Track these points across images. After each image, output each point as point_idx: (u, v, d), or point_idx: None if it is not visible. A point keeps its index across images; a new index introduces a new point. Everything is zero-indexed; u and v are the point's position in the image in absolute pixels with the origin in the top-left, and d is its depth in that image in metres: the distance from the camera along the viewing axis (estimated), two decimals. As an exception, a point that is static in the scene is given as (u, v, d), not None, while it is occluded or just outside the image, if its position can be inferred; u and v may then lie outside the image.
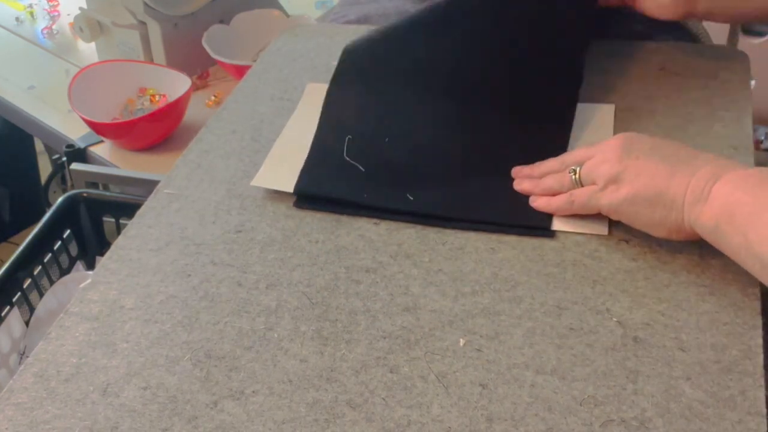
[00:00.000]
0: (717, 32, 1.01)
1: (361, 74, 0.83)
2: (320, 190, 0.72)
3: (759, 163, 0.73)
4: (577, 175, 0.66)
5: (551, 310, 0.61)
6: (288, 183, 0.73)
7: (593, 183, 0.65)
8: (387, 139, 0.76)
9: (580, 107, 0.80)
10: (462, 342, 0.59)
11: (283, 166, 0.76)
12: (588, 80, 0.83)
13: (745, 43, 1.41)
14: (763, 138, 1.40)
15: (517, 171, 0.73)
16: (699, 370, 0.55)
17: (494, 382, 0.56)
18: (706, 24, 0.96)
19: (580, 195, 0.66)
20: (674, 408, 0.53)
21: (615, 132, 0.78)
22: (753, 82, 0.85)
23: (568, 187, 0.67)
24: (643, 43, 0.91)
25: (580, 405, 0.54)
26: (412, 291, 0.63)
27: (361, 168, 0.74)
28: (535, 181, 0.70)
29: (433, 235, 0.68)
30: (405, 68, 0.81)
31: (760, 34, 1.38)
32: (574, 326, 0.59)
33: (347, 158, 0.75)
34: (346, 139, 0.77)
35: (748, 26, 1.39)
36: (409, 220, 0.70)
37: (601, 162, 0.64)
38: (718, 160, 0.61)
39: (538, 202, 0.69)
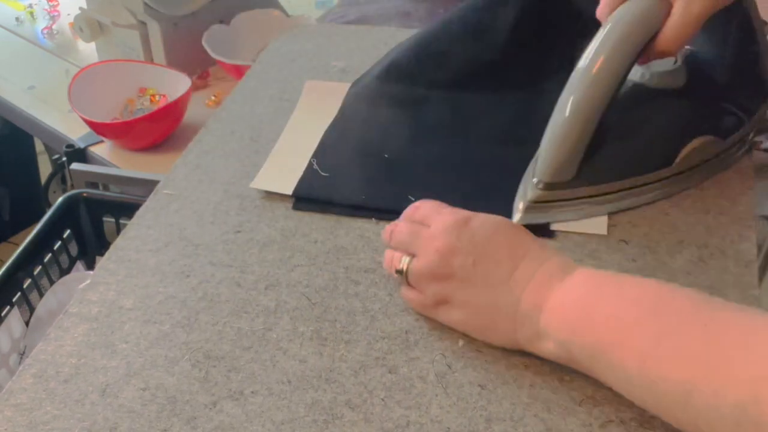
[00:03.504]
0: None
1: (369, 96, 0.84)
2: (319, 194, 0.72)
3: (759, 163, 0.73)
4: (404, 275, 0.60)
5: (550, 311, 0.61)
6: (287, 185, 0.73)
7: (419, 289, 0.60)
8: (388, 152, 0.77)
9: None
10: (461, 342, 0.59)
11: (283, 168, 0.76)
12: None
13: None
14: (763, 138, 1.40)
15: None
16: (698, 371, 0.55)
17: (493, 383, 0.56)
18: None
19: (413, 303, 0.61)
20: (673, 408, 0.53)
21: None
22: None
23: (394, 274, 0.62)
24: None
25: (579, 405, 0.54)
26: (412, 291, 0.63)
27: (360, 171, 0.74)
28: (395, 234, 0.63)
29: (432, 235, 0.68)
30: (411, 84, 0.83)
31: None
32: (573, 327, 0.59)
33: (349, 163, 0.76)
34: (349, 146, 0.78)
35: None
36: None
37: (425, 270, 0.58)
38: (540, 271, 0.55)
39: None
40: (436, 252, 0.58)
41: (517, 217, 0.68)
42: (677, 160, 0.69)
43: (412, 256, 0.60)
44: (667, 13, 0.62)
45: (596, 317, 0.51)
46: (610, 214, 0.68)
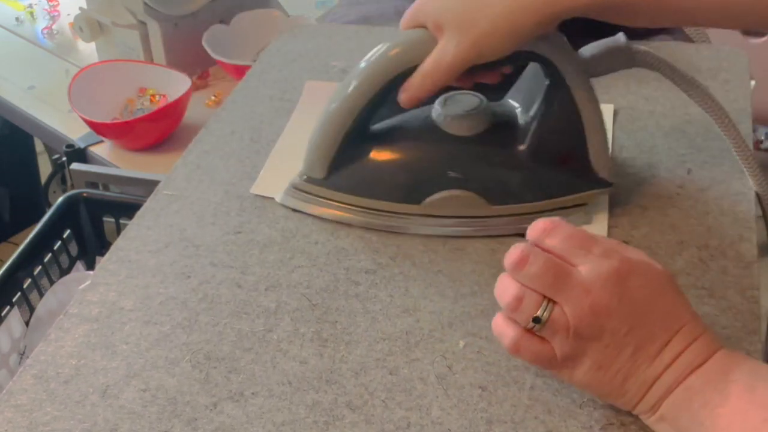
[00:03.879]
0: (716, 32, 1.01)
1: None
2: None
3: (759, 163, 0.73)
4: (540, 324, 0.50)
5: (551, 312, 0.61)
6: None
7: (550, 340, 0.51)
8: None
9: None
10: (462, 343, 0.59)
11: (282, 173, 0.75)
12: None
13: (745, 43, 1.40)
14: (763, 138, 1.40)
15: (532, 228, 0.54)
16: (699, 372, 0.55)
17: (494, 384, 0.56)
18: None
19: (529, 356, 0.51)
20: (674, 410, 0.53)
21: (613, 132, 0.78)
22: (753, 83, 0.85)
23: (524, 320, 0.50)
24: (642, 42, 0.90)
25: (580, 408, 0.54)
26: (412, 292, 0.63)
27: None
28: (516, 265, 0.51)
29: (432, 236, 0.68)
30: None
31: (761, 34, 1.38)
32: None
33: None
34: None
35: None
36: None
37: (573, 328, 0.49)
38: (687, 351, 0.49)
39: (496, 321, 0.53)
40: (590, 310, 0.49)
41: (278, 197, 0.72)
42: (427, 201, 0.67)
43: (552, 301, 0.50)
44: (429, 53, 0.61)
45: (719, 421, 0.47)
46: (611, 216, 0.68)
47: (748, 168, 0.70)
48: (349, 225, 0.69)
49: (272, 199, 0.73)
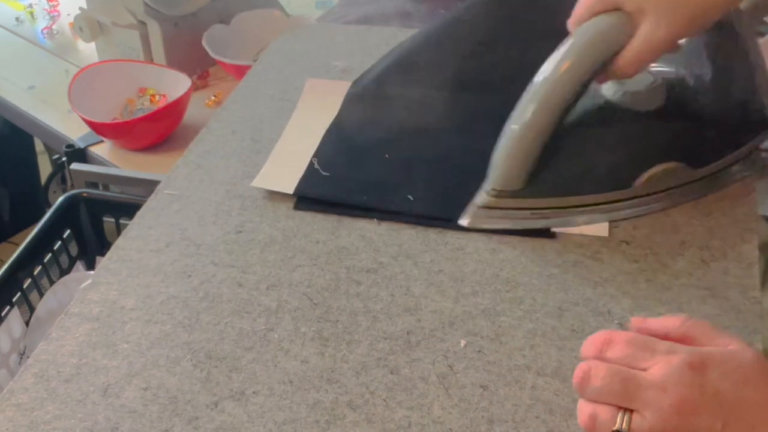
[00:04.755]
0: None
1: (369, 95, 0.84)
2: (320, 194, 0.72)
3: (759, 164, 0.73)
4: (625, 425, 0.46)
5: (552, 312, 0.61)
6: (289, 185, 0.73)
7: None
8: (389, 152, 0.77)
9: None
10: (463, 343, 0.59)
11: (284, 167, 0.76)
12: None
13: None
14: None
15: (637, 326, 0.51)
16: (700, 372, 0.55)
17: (495, 384, 0.56)
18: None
19: None
20: (675, 410, 0.53)
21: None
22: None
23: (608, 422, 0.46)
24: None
25: (581, 406, 0.54)
26: (413, 292, 0.63)
27: (361, 171, 0.74)
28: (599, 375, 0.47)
29: (434, 235, 0.68)
30: (410, 80, 0.82)
31: (760, 34, 1.38)
32: (575, 328, 0.59)
33: (349, 163, 0.76)
34: (350, 145, 0.78)
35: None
36: (411, 221, 0.70)
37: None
38: None
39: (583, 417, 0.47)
40: (671, 408, 0.44)
41: (465, 221, 0.68)
42: (637, 183, 0.67)
43: (628, 411, 0.46)
44: (632, 34, 0.61)
45: None
46: (613, 215, 0.68)
47: None
48: (349, 224, 0.69)
49: (273, 198, 0.73)
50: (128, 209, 0.99)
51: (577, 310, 0.61)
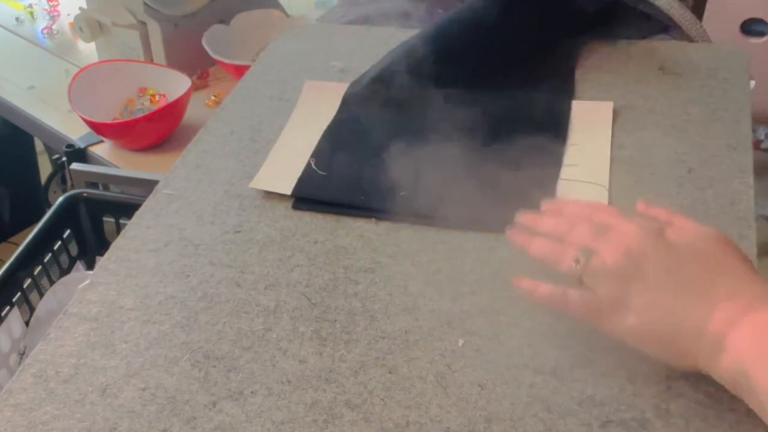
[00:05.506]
0: (716, 32, 1.01)
1: (367, 96, 0.84)
2: (318, 194, 0.72)
3: (759, 163, 0.73)
4: (579, 266, 0.53)
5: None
6: (286, 186, 0.73)
7: (594, 288, 0.53)
8: (387, 152, 0.77)
9: (578, 105, 0.80)
10: (461, 342, 0.59)
11: (282, 167, 0.76)
12: (587, 79, 0.83)
13: (745, 43, 1.40)
14: (763, 138, 1.40)
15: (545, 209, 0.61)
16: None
17: (493, 383, 0.56)
18: (705, 23, 0.96)
19: (577, 305, 0.54)
20: (674, 409, 0.53)
21: (613, 131, 0.78)
22: (753, 83, 0.85)
23: (565, 267, 0.54)
24: (642, 42, 0.90)
25: (579, 405, 0.54)
26: (411, 291, 0.63)
27: (359, 171, 0.75)
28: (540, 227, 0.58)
29: (431, 234, 0.68)
30: (407, 77, 0.82)
31: (761, 34, 1.38)
32: (572, 326, 0.59)
33: (347, 163, 0.76)
34: (348, 146, 0.78)
35: (747, 26, 1.39)
36: (409, 220, 0.70)
37: (611, 267, 0.52)
38: (741, 292, 0.49)
39: (542, 288, 0.55)
40: (627, 251, 0.51)
41: None
42: None
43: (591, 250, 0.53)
44: None
45: None
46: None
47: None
48: (347, 224, 0.69)
49: (271, 198, 0.73)
50: (128, 209, 0.99)
51: (575, 309, 0.61)
